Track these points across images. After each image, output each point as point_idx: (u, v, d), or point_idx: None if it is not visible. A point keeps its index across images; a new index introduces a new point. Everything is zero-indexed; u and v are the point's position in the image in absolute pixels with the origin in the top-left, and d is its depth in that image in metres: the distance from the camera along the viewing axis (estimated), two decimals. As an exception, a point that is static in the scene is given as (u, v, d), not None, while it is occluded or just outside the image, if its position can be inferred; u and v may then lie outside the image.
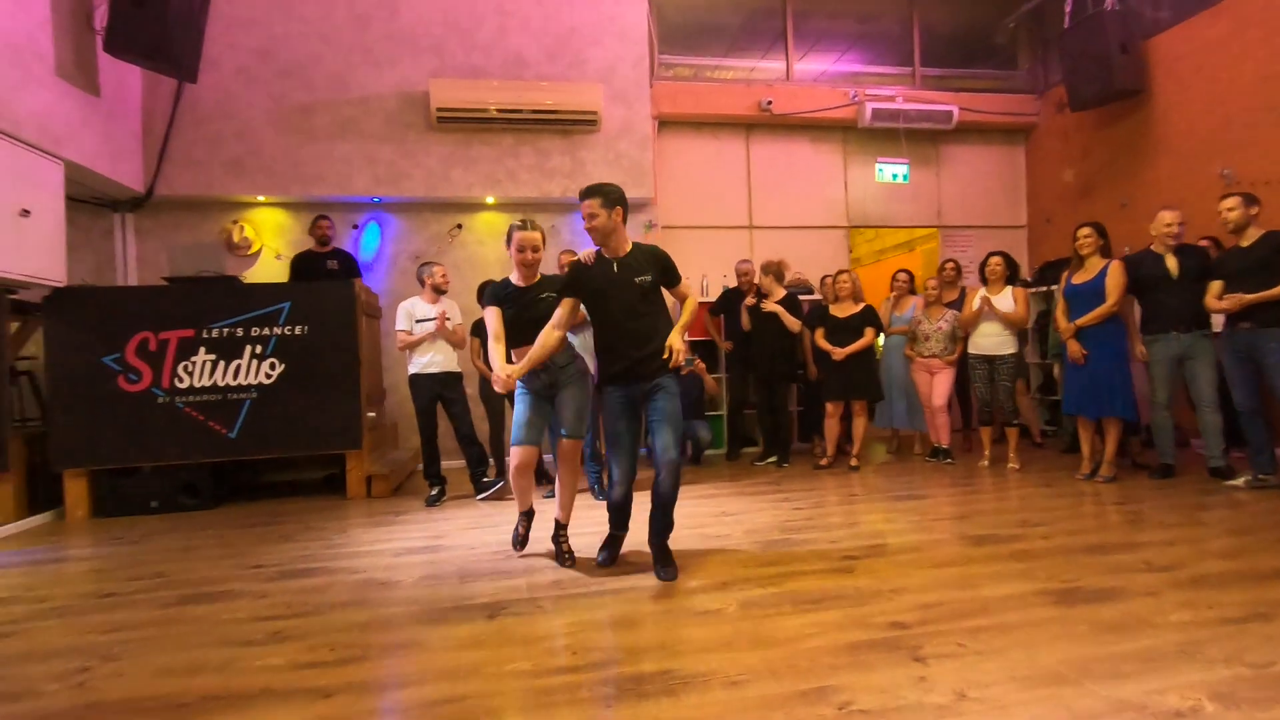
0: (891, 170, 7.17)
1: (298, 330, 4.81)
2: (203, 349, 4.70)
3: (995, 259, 5.03)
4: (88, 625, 2.61)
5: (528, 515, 3.35)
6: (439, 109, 5.78)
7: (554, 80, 6.14)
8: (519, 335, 3.13)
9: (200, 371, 4.69)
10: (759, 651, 2.16)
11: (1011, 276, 5.03)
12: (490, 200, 6.20)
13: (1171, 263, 4.36)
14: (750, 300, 5.63)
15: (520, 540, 3.35)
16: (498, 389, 2.98)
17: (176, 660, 2.26)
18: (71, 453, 4.56)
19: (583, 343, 3.68)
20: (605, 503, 3.22)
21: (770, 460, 5.68)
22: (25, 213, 4.29)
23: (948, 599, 2.54)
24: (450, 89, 5.80)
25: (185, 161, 5.66)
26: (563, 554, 3.18)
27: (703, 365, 5.75)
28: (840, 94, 6.98)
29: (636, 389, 2.92)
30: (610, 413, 2.98)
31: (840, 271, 5.50)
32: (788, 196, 7.16)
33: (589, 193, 2.86)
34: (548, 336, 2.98)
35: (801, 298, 6.07)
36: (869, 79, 7.33)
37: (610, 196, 2.84)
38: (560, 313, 2.98)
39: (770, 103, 6.79)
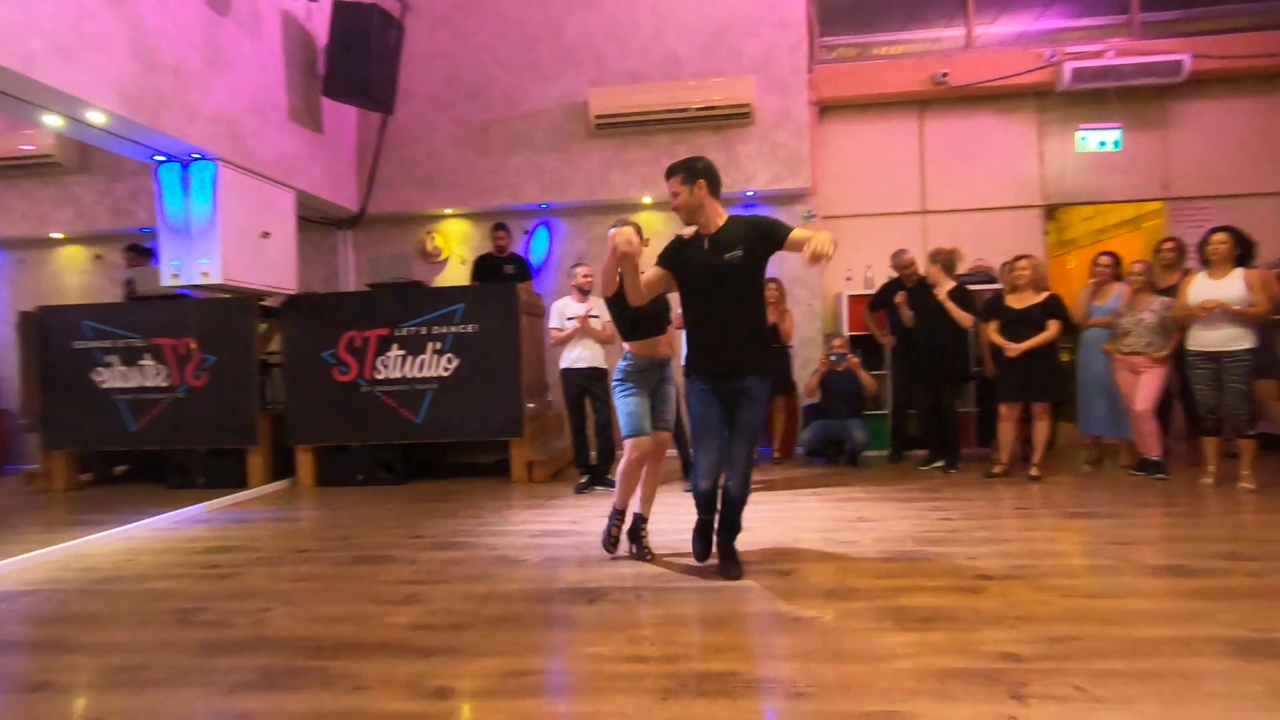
0: (1098, 137, 6.19)
1: (470, 329, 5.36)
2: (395, 345, 5.42)
3: (1219, 235, 4.14)
4: (281, 574, 3.18)
5: (621, 515, 3.25)
6: (597, 116, 6.07)
7: (711, 76, 6.15)
8: (634, 330, 3.21)
9: (393, 365, 5.42)
10: (838, 665, 2.05)
11: (1243, 257, 4.13)
12: (647, 200, 6.38)
13: None
14: (900, 297, 5.28)
15: (612, 542, 3.24)
16: (625, 246, 2.76)
17: (331, 610, 2.68)
18: (301, 432, 5.52)
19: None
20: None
21: (936, 465, 5.24)
22: (266, 234, 5.27)
23: (1084, 634, 2.20)
24: (607, 96, 6.06)
25: (389, 183, 6.54)
26: (642, 549, 3.19)
27: (857, 360, 5.45)
28: (1032, 56, 6.19)
29: (723, 384, 2.81)
30: (695, 402, 2.86)
31: (1019, 257, 4.88)
32: (968, 176, 6.50)
33: (669, 172, 2.83)
34: (645, 282, 2.90)
35: (982, 287, 5.52)
36: (1070, 35, 6.40)
37: (692, 171, 2.77)
38: (650, 274, 2.90)
39: (945, 74, 6.21)
